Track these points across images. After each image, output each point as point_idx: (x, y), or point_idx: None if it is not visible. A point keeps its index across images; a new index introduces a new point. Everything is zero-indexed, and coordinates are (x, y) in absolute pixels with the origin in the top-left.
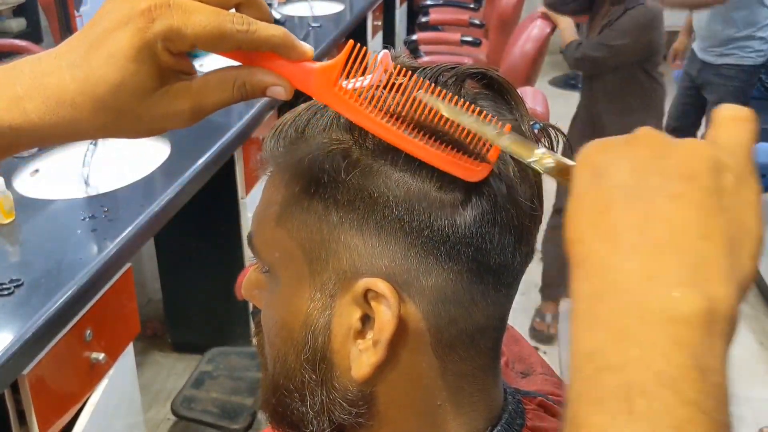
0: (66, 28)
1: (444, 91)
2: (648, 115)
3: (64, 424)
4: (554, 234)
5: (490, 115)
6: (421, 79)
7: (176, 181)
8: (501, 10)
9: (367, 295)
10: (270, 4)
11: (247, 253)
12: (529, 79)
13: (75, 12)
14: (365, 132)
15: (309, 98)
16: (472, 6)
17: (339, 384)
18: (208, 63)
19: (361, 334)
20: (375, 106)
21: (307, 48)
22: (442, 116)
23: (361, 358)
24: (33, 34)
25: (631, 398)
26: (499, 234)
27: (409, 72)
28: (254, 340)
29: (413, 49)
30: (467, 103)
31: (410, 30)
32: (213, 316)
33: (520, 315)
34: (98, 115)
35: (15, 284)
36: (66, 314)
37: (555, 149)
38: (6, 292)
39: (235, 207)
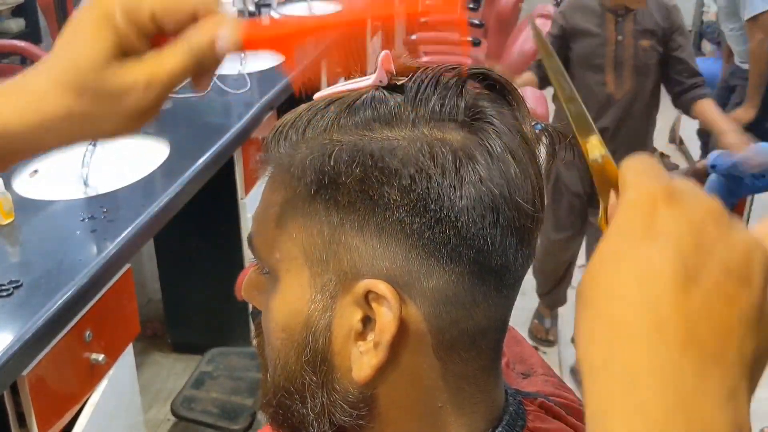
0: None
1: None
2: None
3: (63, 425)
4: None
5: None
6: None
7: (176, 181)
8: (500, 10)
9: (367, 297)
10: (269, 4)
11: (247, 253)
12: None
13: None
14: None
15: (310, 99)
16: (471, 6)
17: (340, 386)
18: None
19: (362, 335)
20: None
21: None
22: None
23: (362, 360)
24: (32, 35)
25: None
26: (500, 235)
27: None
28: (254, 342)
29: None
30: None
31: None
32: (213, 317)
33: (521, 315)
34: (65, 98)
35: (14, 285)
36: (65, 315)
37: (555, 150)
38: (5, 293)
39: (235, 207)
